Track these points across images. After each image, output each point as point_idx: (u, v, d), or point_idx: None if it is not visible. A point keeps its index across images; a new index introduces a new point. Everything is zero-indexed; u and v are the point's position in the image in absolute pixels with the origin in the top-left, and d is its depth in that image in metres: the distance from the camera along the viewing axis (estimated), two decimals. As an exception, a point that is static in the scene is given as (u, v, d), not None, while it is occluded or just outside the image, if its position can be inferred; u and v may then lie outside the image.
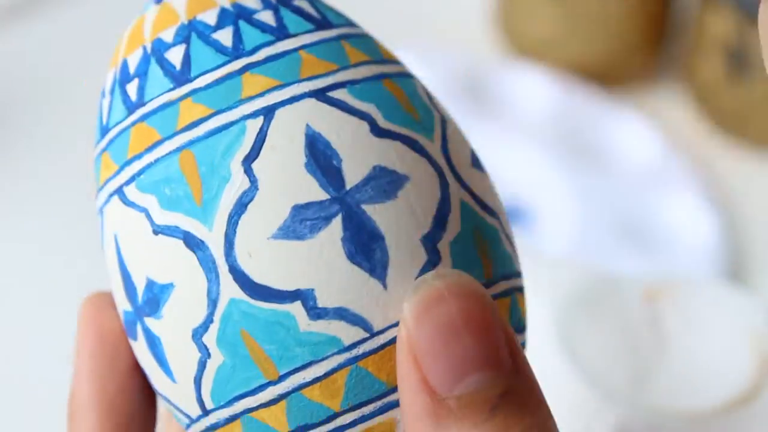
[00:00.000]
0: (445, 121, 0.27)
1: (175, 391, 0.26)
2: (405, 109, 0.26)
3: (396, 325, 0.24)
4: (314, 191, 0.24)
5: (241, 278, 0.24)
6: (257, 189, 0.24)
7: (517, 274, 0.27)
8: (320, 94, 0.25)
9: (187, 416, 0.26)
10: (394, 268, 0.24)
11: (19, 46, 0.71)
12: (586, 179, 0.63)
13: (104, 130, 0.27)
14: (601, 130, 0.67)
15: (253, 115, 0.25)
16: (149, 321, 0.25)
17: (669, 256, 0.60)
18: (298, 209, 0.24)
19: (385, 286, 0.24)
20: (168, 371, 0.26)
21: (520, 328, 0.27)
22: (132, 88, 0.27)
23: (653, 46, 0.69)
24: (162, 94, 0.26)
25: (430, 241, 0.25)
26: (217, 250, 0.24)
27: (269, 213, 0.24)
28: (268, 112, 0.25)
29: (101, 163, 0.27)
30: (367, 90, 0.26)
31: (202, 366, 0.25)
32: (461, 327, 0.23)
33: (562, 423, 0.49)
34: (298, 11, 0.27)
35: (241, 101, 0.25)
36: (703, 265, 0.60)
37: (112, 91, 0.27)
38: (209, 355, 0.25)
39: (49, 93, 0.68)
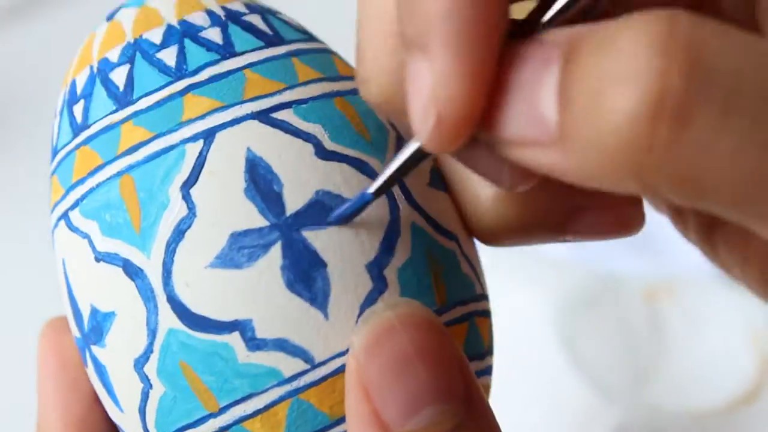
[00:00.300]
0: (400, 139, 0.26)
1: (123, 420, 0.25)
2: (355, 130, 0.25)
3: (339, 355, 0.23)
4: (253, 218, 0.24)
5: (178, 308, 0.23)
6: (195, 216, 0.24)
7: (478, 297, 0.26)
8: (263, 116, 0.24)
9: None
10: (337, 297, 0.24)
11: (19, 46, 0.71)
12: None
13: (54, 152, 0.26)
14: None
15: (193, 138, 0.24)
16: (95, 349, 0.25)
17: (669, 256, 0.60)
18: (235, 237, 0.23)
19: (326, 316, 0.23)
20: (115, 400, 0.25)
21: (482, 353, 0.26)
22: (78, 110, 0.26)
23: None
24: (105, 116, 0.25)
25: (377, 267, 0.24)
26: (156, 279, 0.24)
27: (207, 241, 0.23)
28: (208, 135, 0.24)
29: (52, 186, 0.26)
30: (315, 110, 0.25)
31: (145, 396, 0.24)
32: (414, 359, 0.22)
33: (562, 423, 0.49)
34: (248, 28, 0.26)
35: (182, 124, 0.24)
36: (703, 265, 0.60)
37: (61, 112, 0.27)
38: (151, 386, 0.24)
39: (49, 93, 0.68)
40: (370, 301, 0.24)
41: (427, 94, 0.19)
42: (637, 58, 0.17)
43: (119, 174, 0.24)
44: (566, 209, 0.25)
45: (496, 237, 0.25)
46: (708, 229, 0.28)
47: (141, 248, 0.24)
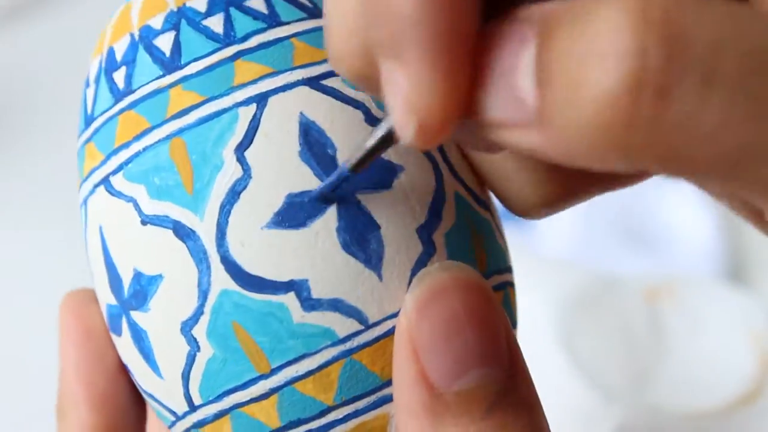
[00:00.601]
0: None
1: (160, 388, 0.25)
2: None
3: (391, 317, 0.24)
4: (308, 180, 0.24)
5: (233, 269, 0.24)
6: (250, 177, 0.24)
7: (509, 269, 0.26)
8: (314, 82, 0.25)
9: (173, 413, 0.25)
10: (390, 259, 0.24)
11: (19, 46, 0.71)
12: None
13: (89, 120, 0.27)
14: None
15: (246, 102, 0.24)
16: (135, 314, 0.25)
17: (669, 256, 0.60)
18: (292, 198, 0.24)
19: (380, 277, 0.24)
20: (154, 366, 0.25)
21: (513, 323, 0.26)
22: (119, 76, 0.26)
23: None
24: (151, 81, 0.25)
25: (426, 231, 0.24)
26: (209, 240, 0.24)
27: (262, 202, 0.24)
28: (261, 100, 0.24)
29: (86, 153, 0.26)
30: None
31: (191, 360, 0.24)
32: (464, 321, 0.22)
33: (562, 423, 0.49)
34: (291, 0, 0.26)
35: (233, 88, 0.24)
36: (703, 265, 0.60)
37: (97, 80, 0.27)
38: (198, 348, 0.24)
39: (49, 93, 0.68)
40: (420, 264, 0.24)
41: (405, 100, 0.19)
42: (614, 34, 0.17)
43: (169, 137, 0.25)
44: (597, 180, 0.25)
45: (535, 211, 0.25)
46: None
47: (193, 210, 0.24)
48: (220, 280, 0.24)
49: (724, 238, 0.61)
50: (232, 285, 0.24)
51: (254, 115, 0.24)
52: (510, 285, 0.26)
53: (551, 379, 0.46)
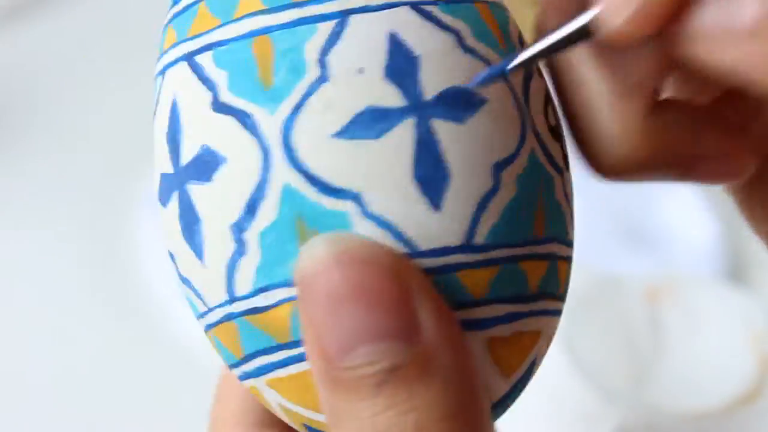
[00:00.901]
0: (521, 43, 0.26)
1: (199, 272, 0.25)
2: (494, 33, 0.25)
3: (438, 251, 0.23)
4: (388, 96, 0.24)
5: (298, 167, 0.23)
6: (329, 83, 0.24)
7: (566, 242, 0.26)
8: (412, 5, 0.24)
9: (204, 302, 0.25)
10: (454, 191, 0.24)
11: (19, 46, 0.71)
12: (586, 180, 0.63)
13: None
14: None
15: (343, 13, 0.24)
16: (192, 187, 0.25)
17: (669, 257, 0.60)
18: (367, 111, 0.23)
19: (438, 208, 0.23)
20: (197, 247, 0.25)
21: (553, 294, 0.26)
22: None
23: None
24: None
25: (498, 168, 0.24)
26: (278, 137, 0.24)
27: (338, 109, 0.24)
28: (356, 12, 0.24)
29: (194, 18, 0.26)
30: (460, 9, 0.25)
31: (241, 248, 0.24)
32: (347, 296, 0.22)
33: (561, 423, 0.49)
34: None
35: None
36: (703, 265, 0.60)
37: None
38: (247, 246, 0.24)
39: (49, 93, 0.68)
40: (487, 200, 0.24)
41: None
42: None
43: (259, 32, 0.24)
44: (690, 155, 0.24)
45: (619, 171, 0.25)
46: None
47: (268, 105, 0.24)
48: (284, 175, 0.24)
49: (724, 239, 0.61)
50: (296, 182, 0.23)
51: (346, 24, 0.24)
52: (560, 258, 0.25)
53: (551, 379, 0.46)
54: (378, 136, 0.24)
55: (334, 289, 0.22)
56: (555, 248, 0.25)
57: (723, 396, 0.46)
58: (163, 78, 0.26)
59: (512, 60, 0.23)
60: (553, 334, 0.26)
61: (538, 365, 0.26)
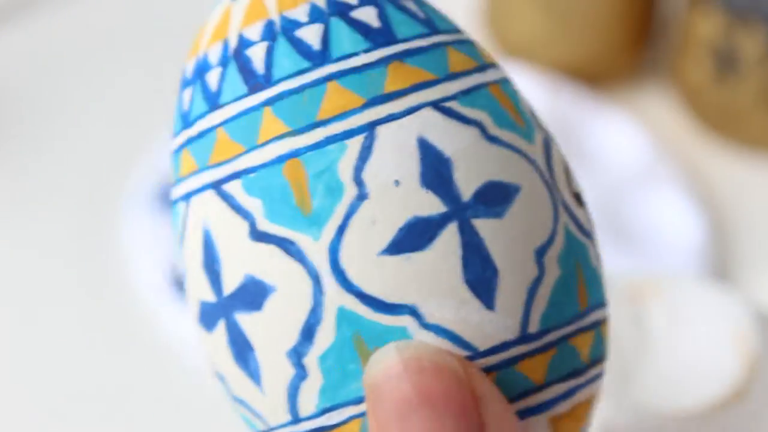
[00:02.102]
0: (547, 134, 0.26)
1: (255, 395, 0.25)
2: (512, 117, 0.25)
3: (499, 348, 0.24)
4: (428, 204, 0.24)
5: (351, 289, 0.24)
6: (368, 200, 0.24)
7: (605, 304, 0.26)
8: (433, 104, 0.24)
9: (264, 421, 0.25)
10: (504, 287, 0.24)
11: (19, 46, 0.71)
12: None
13: (215, 104, 0.25)
14: (588, 130, 0.67)
15: (369, 126, 0.24)
16: (241, 316, 0.24)
17: (655, 256, 0.60)
18: (411, 222, 0.24)
19: (491, 307, 0.24)
20: (252, 373, 0.25)
21: (602, 358, 0.26)
22: (258, 62, 0.25)
23: (640, 45, 0.69)
24: (291, 76, 0.24)
25: (540, 254, 0.24)
26: (324, 261, 0.24)
27: (381, 225, 0.24)
28: (381, 123, 0.24)
29: (215, 144, 0.26)
30: (477, 98, 0.25)
31: (301, 372, 0.24)
32: (417, 403, 0.22)
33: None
34: (404, 9, 0.26)
35: (353, 111, 0.24)
36: (689, 264, 0.60)
37: (224, 64, 0.25)
38: (307, 370, 0.24)
39: (48, 93, 0.68)
40: (533, 290, 0.24)
41: None
42: None
43: (288, 155, 0.24)
44: None
45: None
46: None
47: (310, 231, 0.24)
48: (337, 298, 0.24)
49: (710, 238, 0.61)
50: (349, 304, 0.24)
51: (373, 136, 0.24)
52: (602, 322, 0.26)
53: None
54: (425, 246, 0.24)
55: (404, 395, 0.22)
56: (598, 315, 0.26)
57: (708, 396, 0.46)
58: (187, 205, 0.26)
59: None
60: (601, 389, 0.27)
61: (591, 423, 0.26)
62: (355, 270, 0.23)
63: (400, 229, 0.23)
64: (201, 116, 0.25)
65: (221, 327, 0.25)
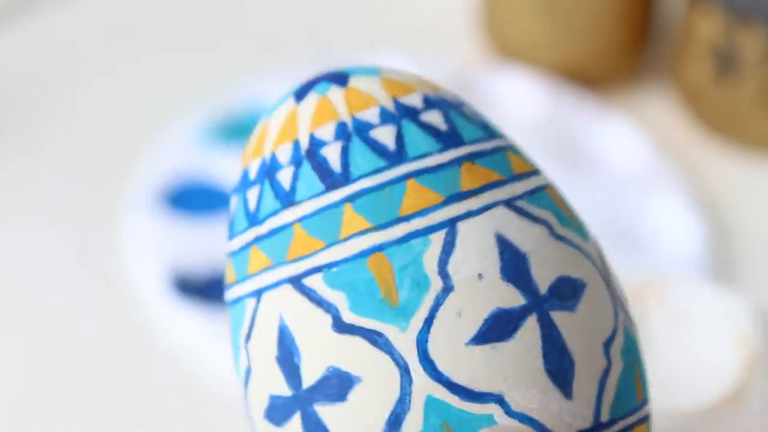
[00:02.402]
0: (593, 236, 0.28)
1: None
2: (567, 214, 0.27)
3: (586, 431, 0.25)
4: (510, 297, 0.25)
5: (439, 378, 0.24)
6: (454, 292, 0.24)
7: (650, 400, 0.28)
8: (506, 203, 0.26)
9: None
10: (579, 377, 0.25)
11: (19, 46, 0.71)
12: (573, 181, 0.63)
13: (289, 202, 0.26)
14: (587, 133, 0.67)
15: (450, 222, 0.25)
16: (322, 408, 0.25)
17: (655, 257, 0.60)
18: (495, 314, 0.24)
19: (569, 396, 0.25)
20: None
21: None
22: (334, 161, 0.26)
23: (639, 47, 0.69)
24: (371, 174, 0.26)
25: (607, 347, 0.25)
26: (414, 351, 0.24)
27: (468, 316, 0.24)
28: (461, 219, 0.25)
29: (284, 241, 0.26)
30: (548, 197, 0.26)
31: None
32: None
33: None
34: (425, 126, 0.27)
35: (435, 207, 0.25)
36: (689, 265, 0.60)
37: (297, 164, 0.26)
38: None
39: (48, 93, 0.68)
40: (604, 380, 0.25)
41: None
42: None
43: (371, 250, 0.25)
44: None
45: None
46: None
47: (398, 323, 0.25)
48: (426, 388, 0.24)
49: (711, 239, 0.61)
50: (437, 393, 0.24)
51: (453, 231, 0.25)
52: (648, 417, 0.27)
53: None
54: (509, 337, 0.24)
55: None
56: (648, 409, 0.27)
57: (709, 396, 0.46)
58: (258, 301, 0.26)
59: None
60: None
61: None
62: (444, 360, 0.24)
63: (485, 320, 0.24)
64: (272, 214, 0.26)
65: (296, 420, 0.25)
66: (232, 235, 0.27)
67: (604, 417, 0.25)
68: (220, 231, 0.60)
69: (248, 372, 0.26)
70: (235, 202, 0.27)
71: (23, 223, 0.62)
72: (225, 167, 0.63)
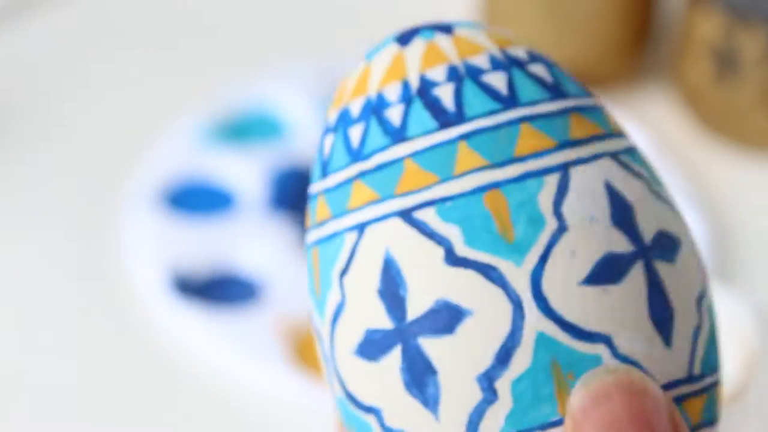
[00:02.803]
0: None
1: (423, 422, 0.25)
2: (657, 174, 0.28)
3: (672, 384, 0.25)
4: (619, 242, 0.25)
5: (551, 315, 0.24)
6: (568, 232, 0.25)
7: (718, 368, 0.27)
8: (612, 155, 0.26)
9: None
10: (678, 327, 0.25)
11: (19, 47, 0.71)
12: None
13: (400, 138, 0.27)
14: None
15: (563, 166, 0.25)
16: (427, 341, 0.25)
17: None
18: (606, 257, 0.25)
19: (669, 344, 0.25)
20: (428, 400, 0.25)
21: (711, 421, 0.27)
22: (447, 101, 0.26)
23: (640, 47, 0.69)
24: (486, 114, 0.26)
25: (699, 302, 0.26)
26: (527, 287, 0.25)
27: (581, 257, 0.25)
28: (573, 164, 0.26)
29: (402, 173, 0.27)
30: (640, 157, 0.27)
31: (490, 396, 0.25)
32: (626, 425, 0.23)
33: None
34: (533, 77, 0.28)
35: (556, 149, 0.26)
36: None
37: (407, 102, 0.27)
38: (498, 394, 0.24)
39: (48, 93, 0.68)
40: (696, 334, 0.26)
41: None
42: None
43: (487, 186, 0.25)
44: None
45: None
46: None
47: (513, 258, 0.25)
48: (537, 324, 0.25)
49: (710, 239, 0.61)
50: (549, 329, 0.24)
51: (570, 177, 0.26)
52: (716, 384, 0.27)
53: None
54: (618, 280, 0.25)
55: (615, 418, 0.23)
56: (722, 374, 0.28)
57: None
58: (360, 234, 0.26)
59: None
60: None
61: None
62: (556, 297, 0.24)
63: (597, 263, 0.25)
64: (380, 149, 0.26)
65: (395, 354, 0.25)
66: (325, 174, 0.27)
67: (696, 371, 0.26)
68: (220, 231, 0.60)
69: (339, 307, 0.26)
70: (329, 141, 0.27)
71: (23, 222, 0.62)
72: (225, 167, 0.63)
